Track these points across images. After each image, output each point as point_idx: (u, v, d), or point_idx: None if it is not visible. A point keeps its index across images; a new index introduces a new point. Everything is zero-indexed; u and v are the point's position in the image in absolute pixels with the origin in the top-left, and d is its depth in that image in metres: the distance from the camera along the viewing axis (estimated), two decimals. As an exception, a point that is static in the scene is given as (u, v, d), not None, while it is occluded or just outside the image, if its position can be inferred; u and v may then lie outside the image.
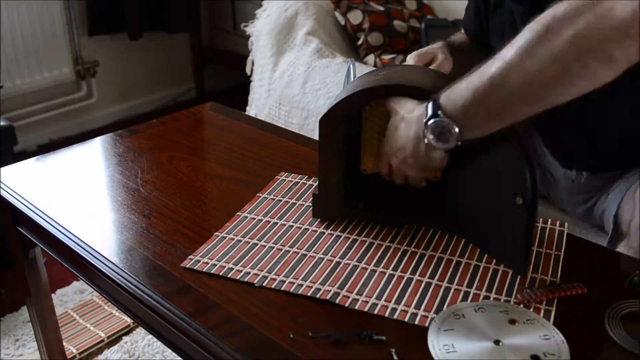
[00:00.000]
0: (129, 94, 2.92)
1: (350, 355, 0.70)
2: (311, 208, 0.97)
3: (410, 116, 0.83)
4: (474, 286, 0.81)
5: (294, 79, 2.06)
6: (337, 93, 1.94)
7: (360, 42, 2.12)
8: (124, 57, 2.82)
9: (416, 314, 0.76)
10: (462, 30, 1.32)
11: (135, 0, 2.63)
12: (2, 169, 1.12)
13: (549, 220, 0.95)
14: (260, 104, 2.20)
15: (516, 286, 0.81)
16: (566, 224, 0.94)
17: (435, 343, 0.71)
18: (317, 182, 0.93)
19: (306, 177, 1.08)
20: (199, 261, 0.86)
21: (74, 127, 2.73)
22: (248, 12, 2.83)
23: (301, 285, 0.81)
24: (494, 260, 0.86)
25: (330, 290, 0.80)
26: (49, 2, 2.44)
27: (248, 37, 2.29)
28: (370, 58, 2.11)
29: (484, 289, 0.81)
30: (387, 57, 2.09)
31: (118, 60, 2.81)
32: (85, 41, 2.64)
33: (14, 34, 2.37)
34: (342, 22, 2.17)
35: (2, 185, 1.07)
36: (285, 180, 1.07)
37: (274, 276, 0.83)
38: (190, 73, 3.12)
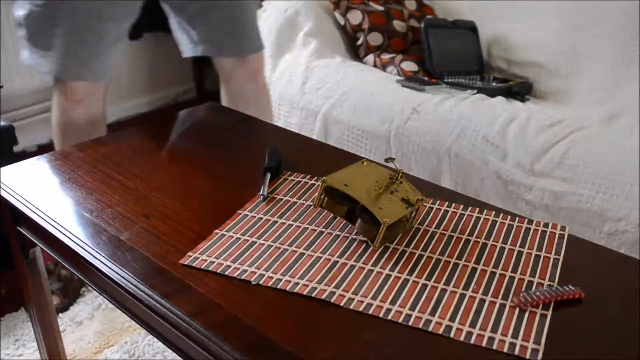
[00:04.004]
0: (129, 94, 2.91)
1: (351, 355, 0.70)
2: (312, 207, 0.98)
3: None
4: (470, 289, 0.81)
5: (293, 79, 2.06)
6: (336, 92, 1.94)
7: (360, 42, 2.13)
8: (124, 57, 2.82)
9: (410, 315, 0.76)
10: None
11: (135, 0, 2.63)
12: (2, 169, 1.12)
13: (550, 224, 0.96)
14: (260, 104, 2.20)
15: (513, 289, 0.82)
16: (567, 228, 0.95)
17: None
18: None
19: (309, 176, 1.08)
20: (198, 258, 0.86)
21: (74, 127, 2.73)
22: (248, 12, 2.83)
23: (297, 283, 0.81)
24: (492, 263, 0.86)
25: (326, 290, 0.80)
26: (49, 2, 2.44)
27: (248, 37, 2.29)
28: (370, 58, 2.11)
29: (480, 291, 0.81)
30: (386, 56, 2.09)
31: (118, 60, 2.80)
32: (85, 41, 2.64)
33: (14, 34, 2.37)
34: (342, 22, 2.17)
35: (2, 185, 1.07)
36: (287, 179, 1.08)
37: (271, 274, 0.83)
38: (190, 73, 3.12)
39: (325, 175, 0.93)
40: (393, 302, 0.78)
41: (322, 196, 0.93)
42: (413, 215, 0.94)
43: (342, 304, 0.78)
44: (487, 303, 0.79)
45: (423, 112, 1.77)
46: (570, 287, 0.81)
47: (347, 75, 1.97)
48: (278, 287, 0.81)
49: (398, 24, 2.16)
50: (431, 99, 1.80)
